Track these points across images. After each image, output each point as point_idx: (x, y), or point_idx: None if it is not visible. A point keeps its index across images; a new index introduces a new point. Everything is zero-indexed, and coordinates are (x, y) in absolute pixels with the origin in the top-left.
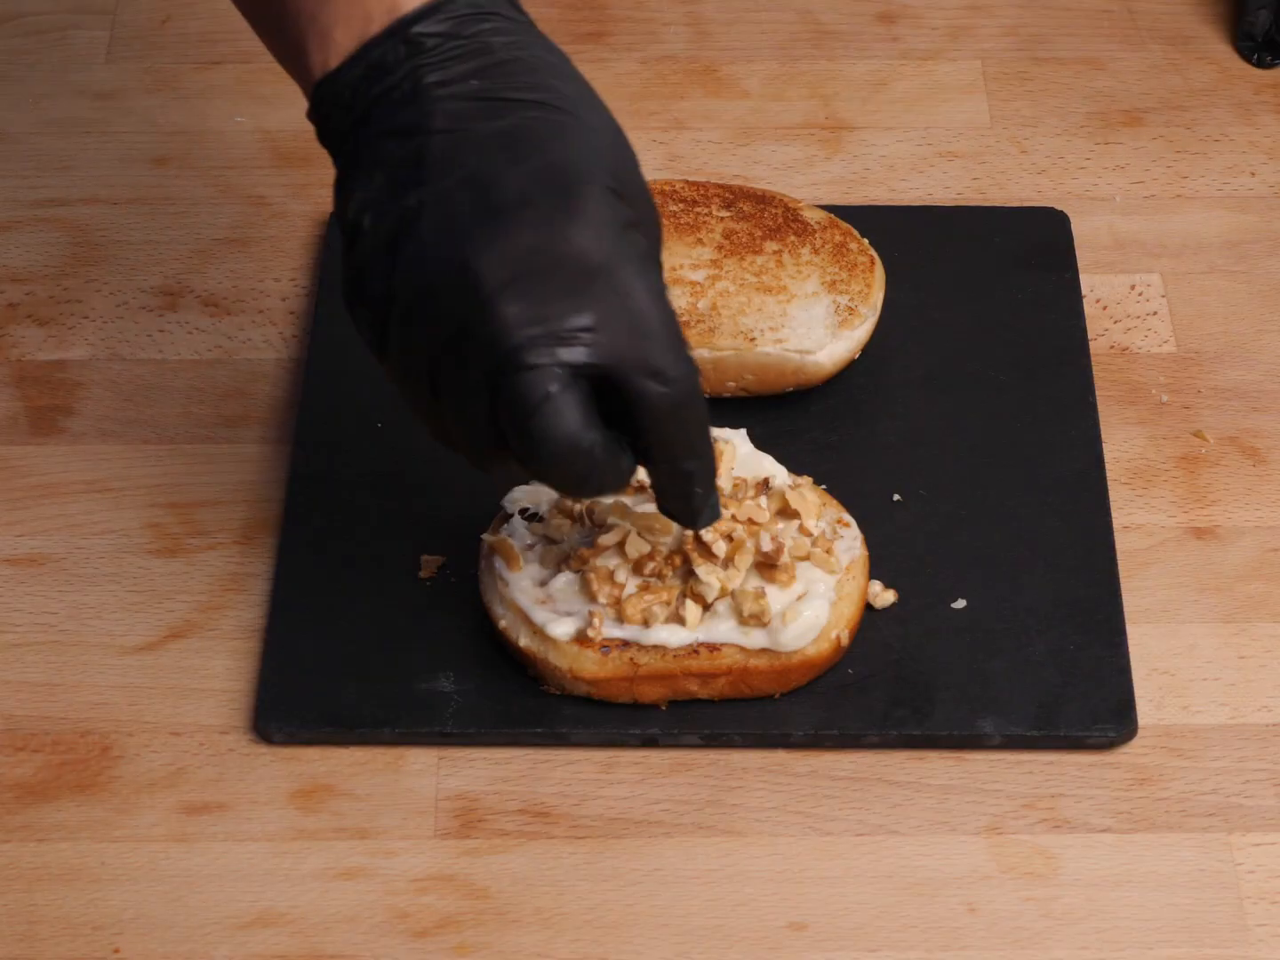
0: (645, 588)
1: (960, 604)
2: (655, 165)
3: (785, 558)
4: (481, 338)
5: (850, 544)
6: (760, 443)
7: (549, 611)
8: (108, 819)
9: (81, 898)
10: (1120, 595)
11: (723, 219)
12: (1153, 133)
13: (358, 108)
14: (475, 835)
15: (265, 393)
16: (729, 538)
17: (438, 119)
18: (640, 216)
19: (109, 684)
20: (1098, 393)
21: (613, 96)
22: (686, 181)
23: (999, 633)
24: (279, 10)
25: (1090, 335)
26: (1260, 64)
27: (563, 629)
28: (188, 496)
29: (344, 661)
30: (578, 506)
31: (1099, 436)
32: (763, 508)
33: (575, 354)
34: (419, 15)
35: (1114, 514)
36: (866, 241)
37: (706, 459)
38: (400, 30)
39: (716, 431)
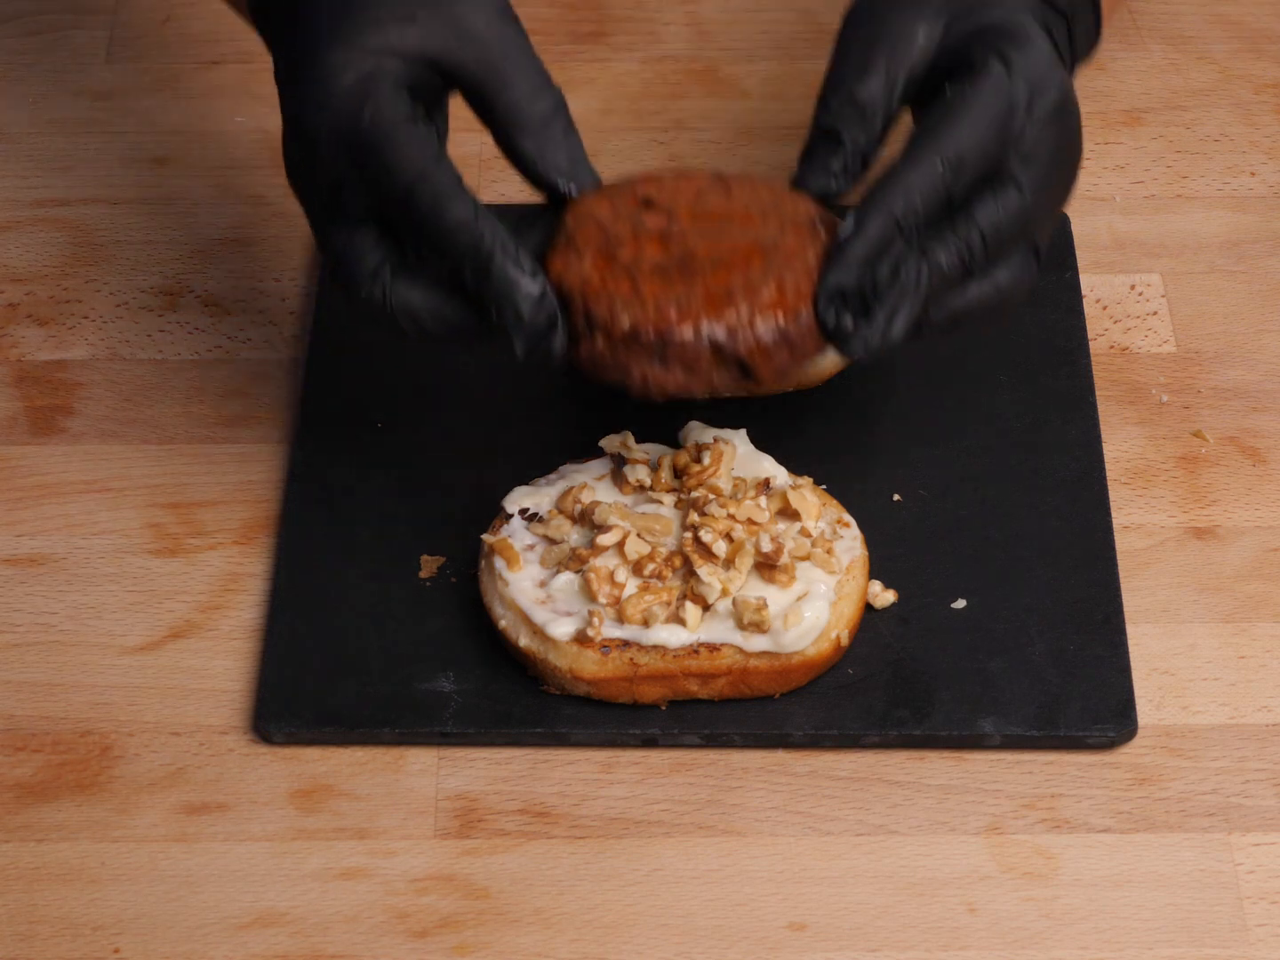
0: (645, 588)
1: (960, 604)
2: (655, 165)
3: (785, 558)
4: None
5: (850, 544)
6: (760, 443)
7: (549, 611)
8: (108, 819)
9: (81, 898)
10: (1120, 595)
11: None
12: (1153, 133)
13: None
14: (475, 835)
15: (265, 393)
16: (729, 538)
17: None
18: None
19: (109, 684)
20: (1098, 393)
21: (613, 96)
22: None
23: (999, 633)
24: None
25: (1090, 335)
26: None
27: (563, 629)
28: (188, 496)
29: (344, 661)
30: (577, 506)
31: (1099, 436)
32: (763, 508)
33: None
34: None
35: (1114, 514)
36: None
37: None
38: None
39: (716, 431)
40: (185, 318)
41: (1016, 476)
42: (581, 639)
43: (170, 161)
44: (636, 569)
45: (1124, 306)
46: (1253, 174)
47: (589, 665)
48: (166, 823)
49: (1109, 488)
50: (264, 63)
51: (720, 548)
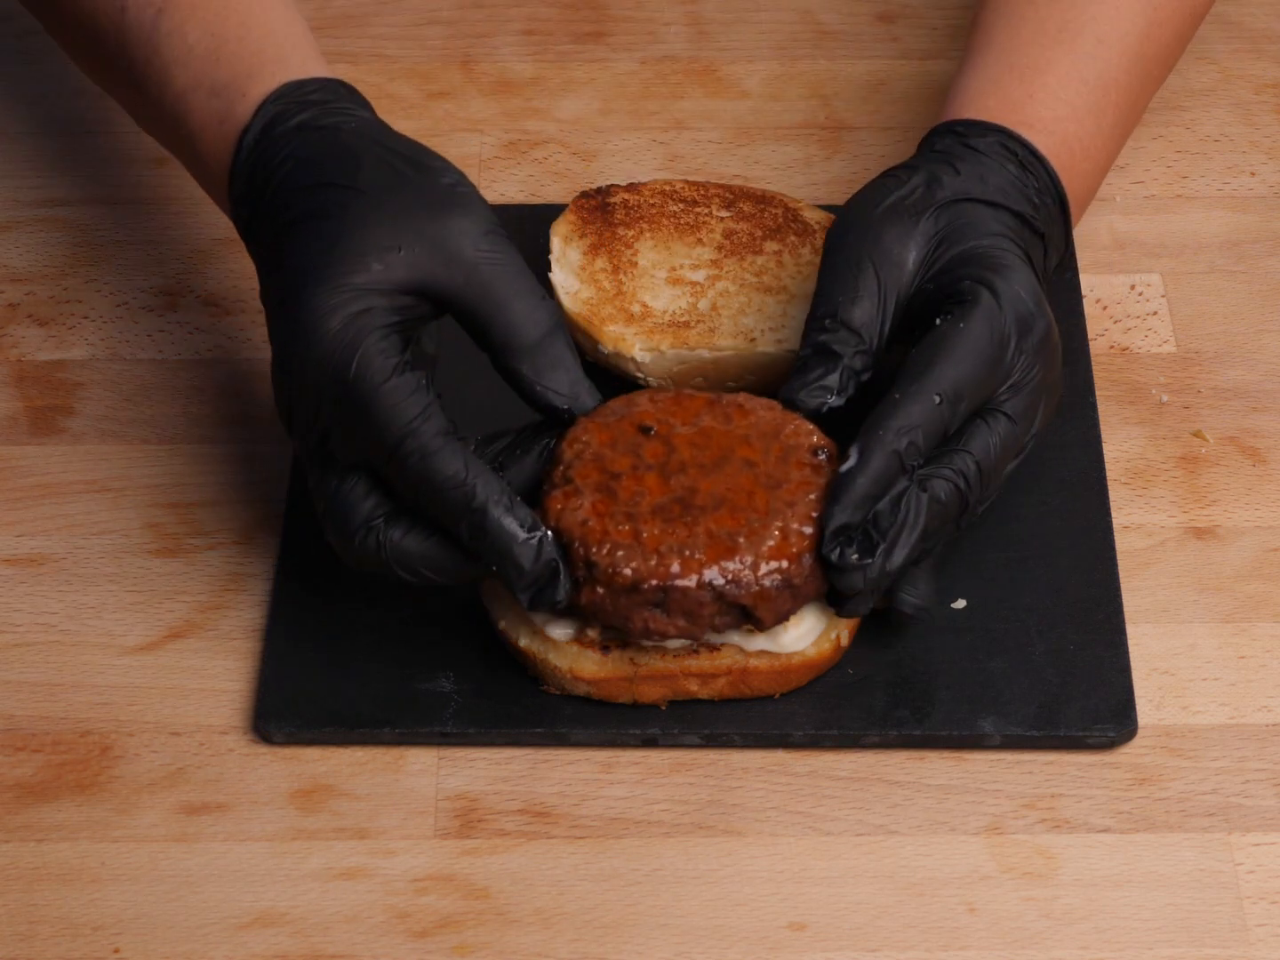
0: None
1: (960, 604)
2: (655, 165)
3: None
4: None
5: None
6: None
7: (549, 611)
8: (108, 819)
9: (81, 898)
10: (1120, 595)
11: (723, 219)
12: (1152, 133)
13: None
14: (475, 835)
15: (265, 393)
16: None
17: (256, 233)
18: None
19: (109, 684)
20: (1098, 393)
21: (613, 96)
22: (686, 181)
23: (999, 633)
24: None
25: (1090, 335)
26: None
27: (562, 629)
28: (188, 496)
29: (344, 661)
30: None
31: (1099, 436)
32: None
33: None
34: (246, 130)
35: (1114, 514)
36: None
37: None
38: (238, 155)
39: None
40: (185, 318)
41: (1016, 476)
42: (581, 639)
43: (170, 161)
44: None
45: (1124, 306)
46: (1253, 174)
47: (589, 665)
48: (166, 823)
49: (1109, 488)
50: None
51: None
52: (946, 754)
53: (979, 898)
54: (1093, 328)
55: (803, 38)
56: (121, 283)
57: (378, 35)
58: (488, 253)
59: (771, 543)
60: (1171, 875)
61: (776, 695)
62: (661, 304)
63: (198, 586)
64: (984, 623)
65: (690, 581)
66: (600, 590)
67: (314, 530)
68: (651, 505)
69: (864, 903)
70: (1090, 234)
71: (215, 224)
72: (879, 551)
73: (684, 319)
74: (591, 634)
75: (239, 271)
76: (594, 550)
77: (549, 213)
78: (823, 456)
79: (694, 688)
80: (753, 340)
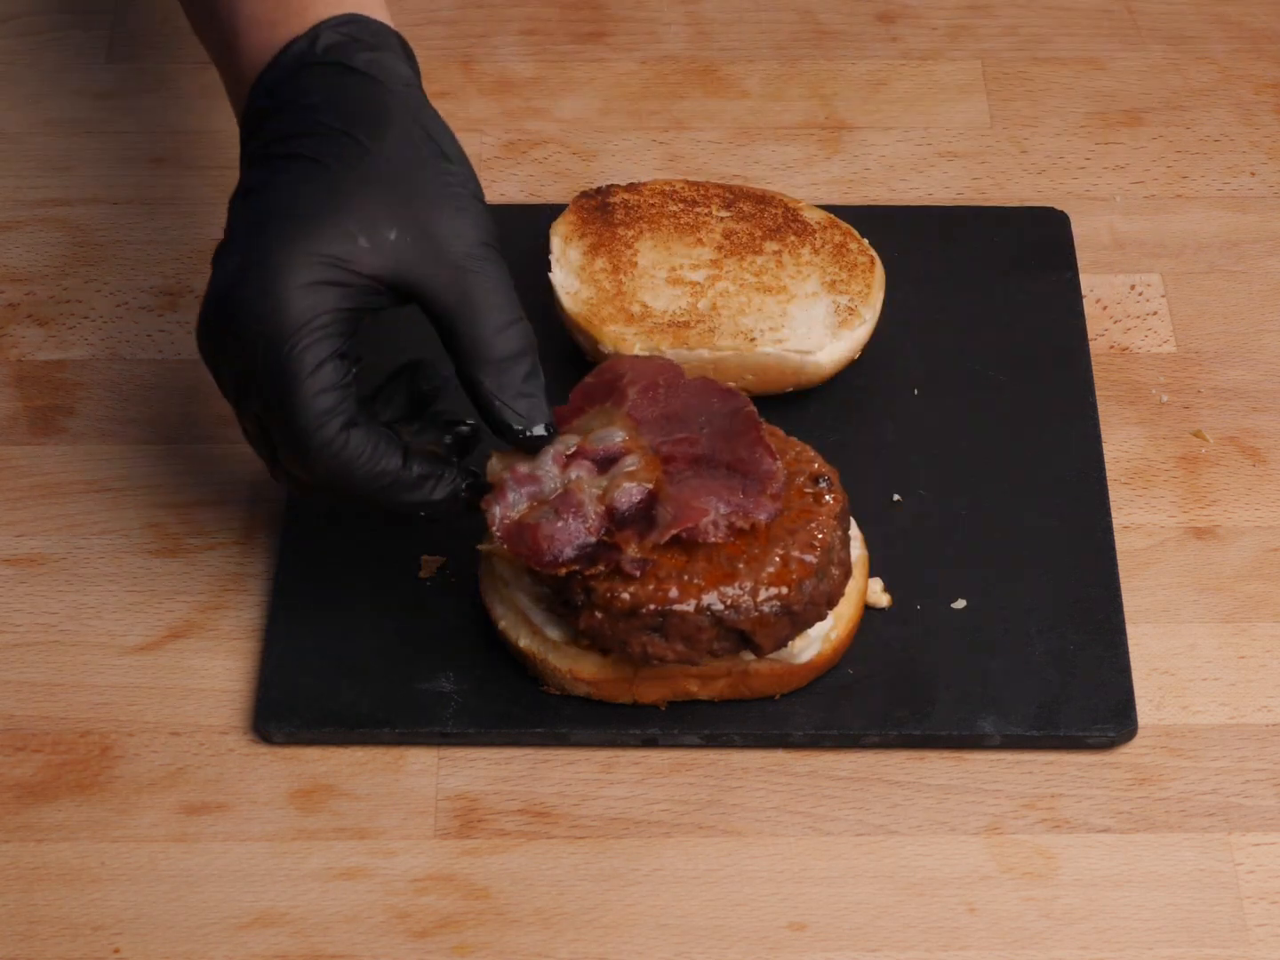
0: None
1: (960, 604)
2: (655, 165)
3: None
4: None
5: (850, 544)
6: None
7: (548, 612)
8: (108, 819)
9: (81, 898)
10: (1120, 595)
11: (723, 219)
12: (1153, 133)
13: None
14: (475, 835)
15: None
16: None
17: (245, 178)
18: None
19: (109, 684)
20: (1098, 393)
21: (613, 96)
22: (686, 181)
23: (999, 633)
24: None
25: (1090, 335)
26: None
27: (562, 630)
28: (188, 496)
29: (344, 661)
30: None
31: (1099, 436)
32: None
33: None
34: (256, 86)
35: (1114, 514)
36: (866, 242)
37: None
38: (250, 103)
39: None
40: (185, 318)
41: (1016, 476)
42: (581, 640)
43: (170, 161)
44: None
45: (1124, 306)
46: (1253, 174)
47: (589, 666)
48: (166, 823)
49: (1109, 488)
50: None
51: None
52: (946, 754)
53: (979, 898)
54: (1093, 328)
55: (803, 38)
56: (121, 283)
57: None
58: (479, 261)
59: (771, 569)
60: (1171, 875)
61: (776, 696)
62: (661, 304)
63: (198, 586)
64: (984, 623)
65: (689, 606)
66: (599, 615)
67: (314, 530)
68: None
69: (864, 903)
70: (1090, 234)
71: (215, 224)
72: None
73: (684, 319)
74: None
75: None
76: (591, 576)
77: (549, 213)
78: (824, 484)
79: (694, 688)
80: (752, 340)
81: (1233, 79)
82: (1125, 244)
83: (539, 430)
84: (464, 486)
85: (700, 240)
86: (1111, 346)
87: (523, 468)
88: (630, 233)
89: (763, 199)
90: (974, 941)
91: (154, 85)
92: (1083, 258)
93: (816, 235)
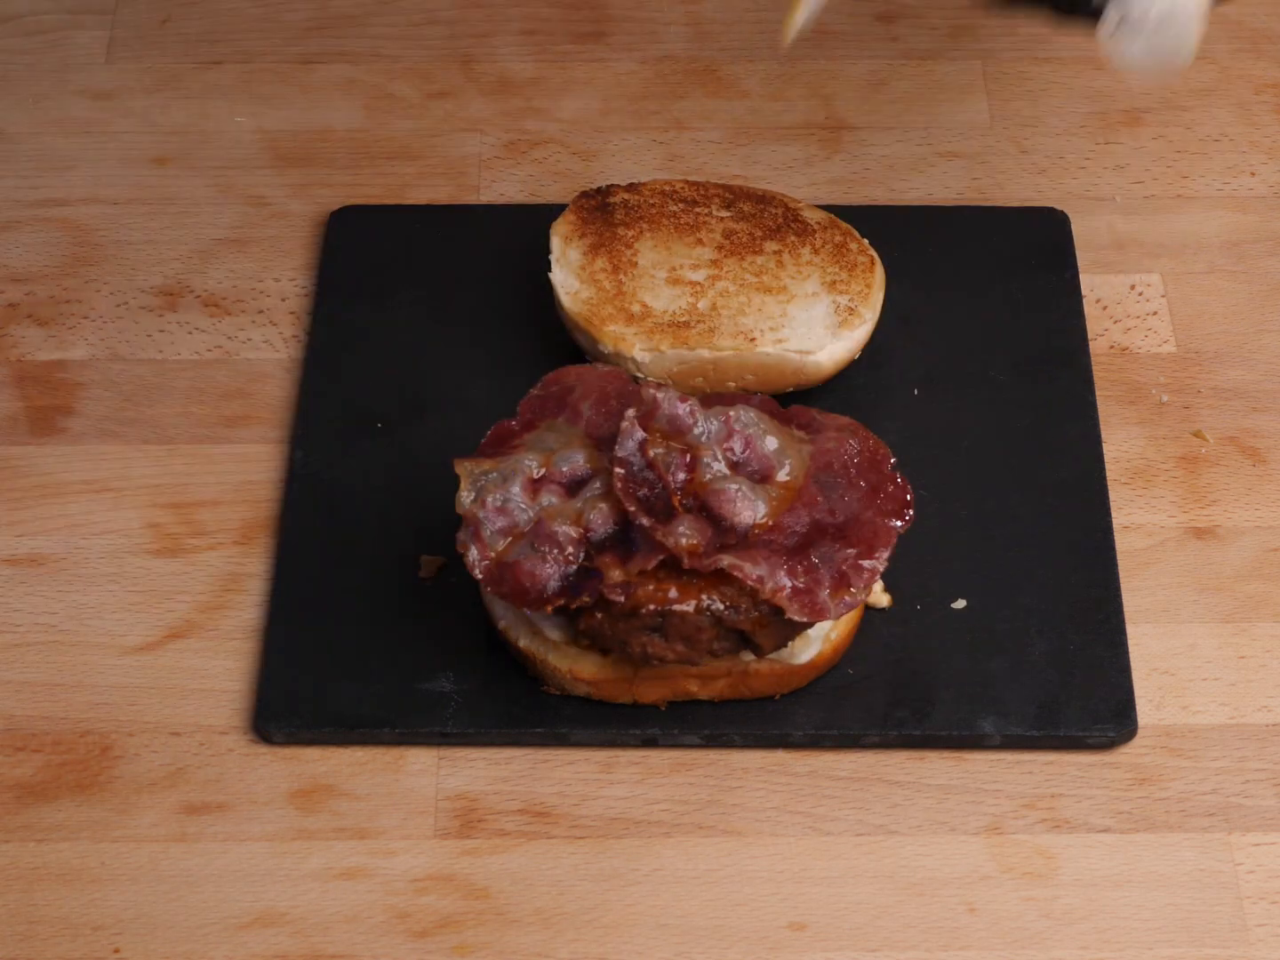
0: None
1: (960, 604)
2: (655, 165)
3: None
4: None
5: None
6: None
7: None
8: (108, 819)
9: (81, 898)
10: (1120, 595)
11: (723, 219)
12: (1153, 133)
13: None
14: (475, 835)
15: (265, 393)
16: None
17: None
18: None
19: (109, 684)
20: (1098, 393)
21: (613, 96)
22: (686, 181)
23: (999, 633)
24: None
25: (1090, 335)
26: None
27: (562, 630)
28: (188, 496)
29: (344, 661)
30: None
31: (1099, 436)
32: None
33: None
34: None
35: (1114, 514)
36: (866, 241)
37: None
38: None
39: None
40: (185, 318)
41: (1016, 476)
42: (581, 640)
43: (170, 161)
44: None
45: (1124, 306)
46: (1253, 174)
47: (589, 666)
48: (166, 823)
49: (1109, 488)
50: (264, 63)
51: None
52: (946, 754)
53: (979, 898)
54: (1093, 328)
55: (803, 38)
56: (121, 283)
57: (378, 35)
58: None
59: None
60: (1171, 875)
61: (776, 696)
62: (661, 304)
63: (198, 586)
64: (984, 623)
65: (689, 606)
66: (599, 615)
67: (314, 530)
68: None
69: (864, 903)
70: (1090, 234)
71: (215, 224)
72: None
73: (684, 319)
74: None
75: (239, 271)
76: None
77: (549, 213)
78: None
79: (694, 688)
80: (753, 340)
81: (1233, 79)
82: (1125, 244)
83: None
84: None
85: (700, 240)
86: (1111, 346)
87: (492, 499)
88: (630, 233)
89: (763, 199)
90: (974, 941)
91: (154, 85)
92: (1083, 258)
93: (816, 235)
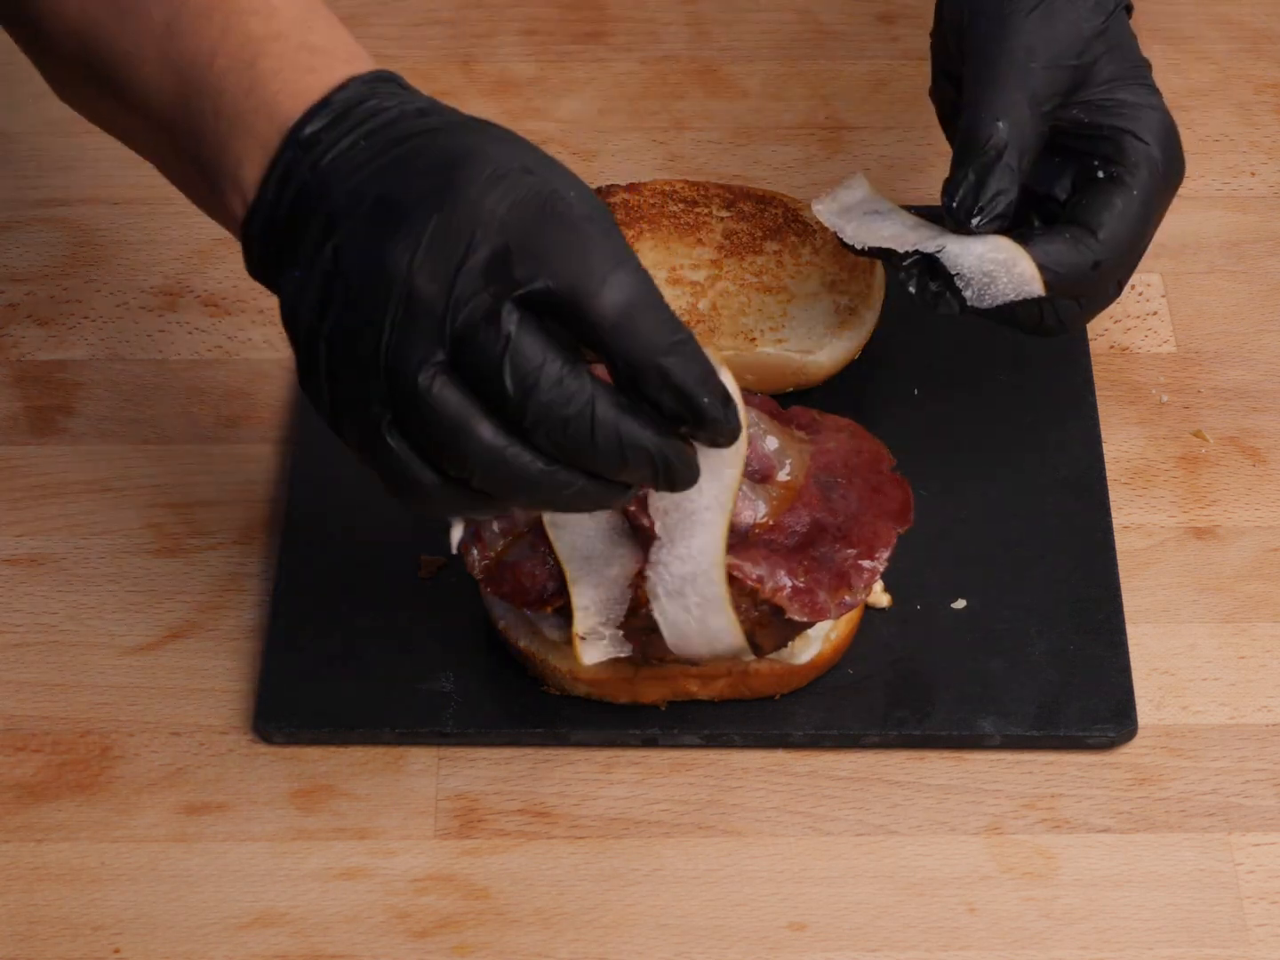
0: None
1: (960, 604)
2: (655, 165)
3: None
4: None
5: None
6: None
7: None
8: (108, 819)
9: (81, 898)
10: (1120, 595)
11: (723, 219)
12: None
13: (281, 224)
14: (475, 835)
15: (265, 393)
16: None
17: (334, 185)
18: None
19: (109, 684)
20: (1098, 393)
21: (613, 96)
22: (686, 181)
23: (999, 633)
24: (193, 176)
25: (1090, 335)
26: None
27: (562, 630)
28: (188, 496)
29: (344, 661)
30: None
31: (1099, 436)
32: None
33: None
34: (304, 119)
35: (1114, 514)
36: None
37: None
38: (292, 138)
39: None
40: (185, 318)
41: (1016, 476)
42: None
43: None
44: None
45: (1124, 306)
46: (1253, 174)
47: (589, 666)
48: (166, 823)
49: (1109, 488)
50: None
51: None
52: (946, 754)
53: (979, 898)
54: (1093, 328)
55: (803, 38)
56: (121, 283)
57: (378, 35)
58: (592, 222)
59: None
60: (1171, 875)
61: (776, 696)
62: None
63: (198, 586)
64: (984, 623)
65: None
66: None
67: (314, 530)
68: None
69: (864, 903)
70: None
71: (215, 224)
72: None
73: (684, 319)
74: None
75: (239, 271)
76: None
77: None
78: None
79: (694, 688)
80: (753, 340)
81: (1233, 79)
82: None
83: (728, 423)
84: None
85: (700, 240)
86: (1111, 346)
87: None
88: (630, 233)
89: (763, 199)
90: (974, 941)
91: None
92: None
93: (816, 235)
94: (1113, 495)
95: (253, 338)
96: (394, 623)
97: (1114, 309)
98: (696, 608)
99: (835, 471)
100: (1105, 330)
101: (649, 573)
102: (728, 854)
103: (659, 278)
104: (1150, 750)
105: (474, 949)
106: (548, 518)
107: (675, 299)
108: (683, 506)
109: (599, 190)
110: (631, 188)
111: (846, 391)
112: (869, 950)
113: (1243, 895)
